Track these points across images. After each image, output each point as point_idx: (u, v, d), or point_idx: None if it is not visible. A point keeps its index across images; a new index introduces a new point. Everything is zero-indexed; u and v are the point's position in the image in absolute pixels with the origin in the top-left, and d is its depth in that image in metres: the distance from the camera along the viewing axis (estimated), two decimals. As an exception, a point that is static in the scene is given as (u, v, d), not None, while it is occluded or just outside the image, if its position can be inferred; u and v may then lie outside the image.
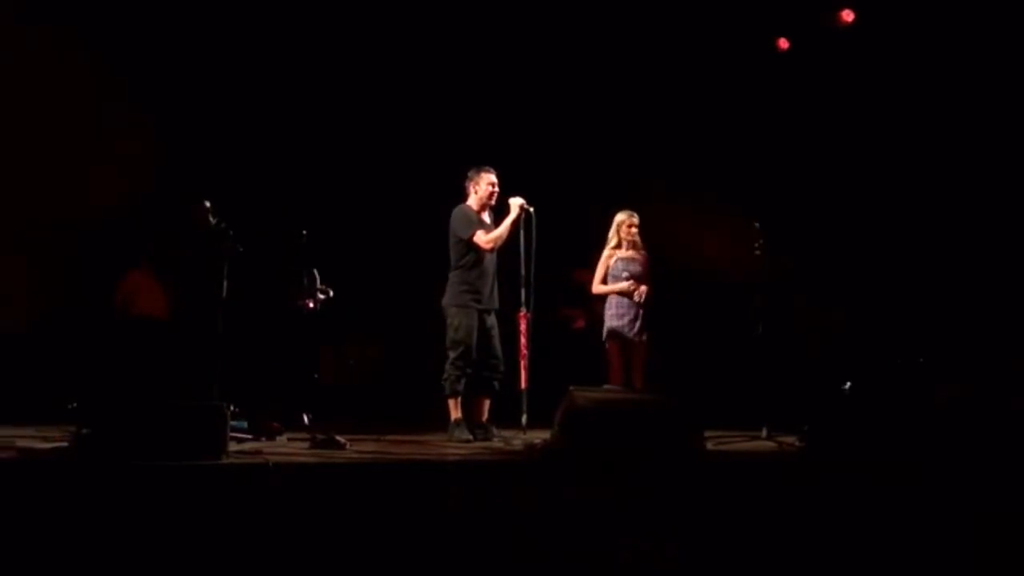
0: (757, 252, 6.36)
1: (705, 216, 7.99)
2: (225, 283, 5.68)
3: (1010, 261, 7.52)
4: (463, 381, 5.96)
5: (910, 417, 5.13)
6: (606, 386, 6.33)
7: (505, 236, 6.03)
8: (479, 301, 6.04)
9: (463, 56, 8.68)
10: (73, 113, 7.39)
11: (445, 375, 5.98)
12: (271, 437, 5.66)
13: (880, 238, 8.10)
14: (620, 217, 6.70)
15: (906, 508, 4.08)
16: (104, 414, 4.17)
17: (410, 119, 8.81)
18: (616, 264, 6.62)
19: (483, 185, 6.15)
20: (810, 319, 8.10)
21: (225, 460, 4.24)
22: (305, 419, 6.43)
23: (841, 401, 5.73)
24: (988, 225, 7.69)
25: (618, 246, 6.66)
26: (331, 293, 6.96)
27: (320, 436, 5.26)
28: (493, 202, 6.17)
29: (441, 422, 6.07)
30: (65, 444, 4.45)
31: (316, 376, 7.04)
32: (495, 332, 6.11)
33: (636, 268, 6.59)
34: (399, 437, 5.97)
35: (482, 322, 6.04)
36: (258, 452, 4.82)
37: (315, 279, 6.90)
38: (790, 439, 5.61)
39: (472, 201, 6.18)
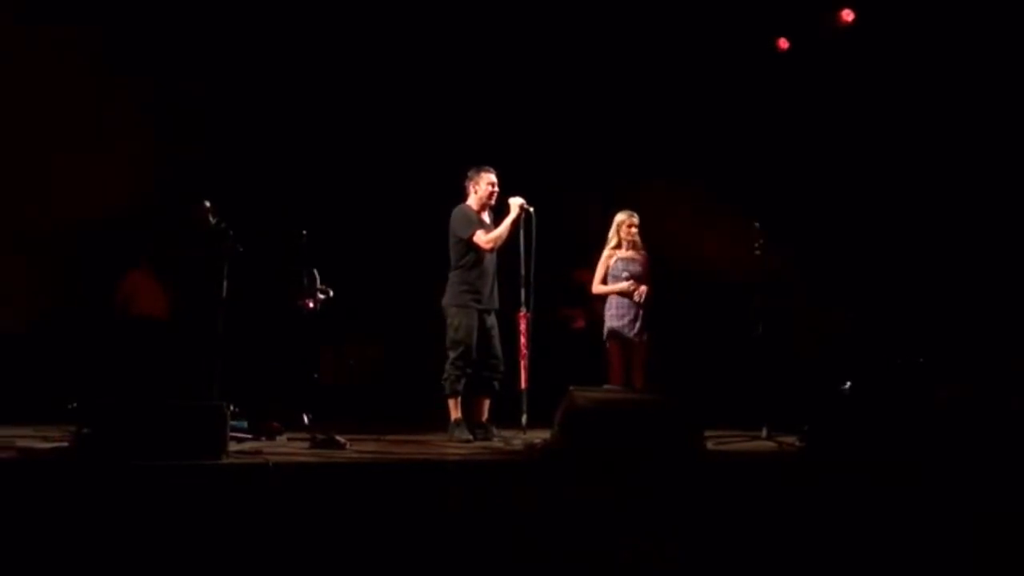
0: (757, 252, 6.36)
1: (705, 216, 8.00)
2: (225, 283, 5.67)
3: (1010, 261, 7.52)
4: (463, 381, 5.96)
5: (910, 417, 5.13)
6: (606, 386, 6.33)
7: (505, 236, 6.03)
8: (479, 301, 6.04)
9: (463, 56, 8.68)
10: (73, 113, 7.39)
11: (445, 375, 5.98)
12: (271, 437, 5.67)
13: (880, 238, 8.10)
14: (620, 217, 6.70)
15: (906, 508, 4.08)
16: (104, 414, 4.17)
17: (410, 119, 8.81)
18: (616, 264, 6.62)
19: (483, 185, 6.15)
20: (810, 319, 8.10)
21: (225, 460, 4.24)
22: (305, 419, 6.43)
23: (841, 401, 5.73)
24: (988, 225, 7.69)
25: (618, 246, 6.67)
26: (331, 293, 6.96)
27: (320, 436, 5.26)
28: (493, 202, 6.17)
29: (441, 422, 6.07)
30: (65, 444, 4.45)
31: (316, 376, 7.04)
32: (495, 332, 6.11)
33: (636, 268, 6.59)
34: (399, 437, 5.97)
35: (482, 322, 6.04)
36: (258, 452, 4.82)
37: (315, 279, 6.90)
38: (790, 439, 5.61)
39: (472, 201, 6.18)
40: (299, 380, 7.04)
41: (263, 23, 8.24)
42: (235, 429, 5.04)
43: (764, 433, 5.95)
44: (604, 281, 6.66)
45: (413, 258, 8.15)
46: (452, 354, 5.99)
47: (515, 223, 6.02)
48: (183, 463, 4.01)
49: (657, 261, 6.76)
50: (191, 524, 3.52)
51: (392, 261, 8.82)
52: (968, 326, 7.40)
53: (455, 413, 5.96)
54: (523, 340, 5.99)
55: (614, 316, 6.55)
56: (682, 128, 8.83)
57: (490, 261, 6.12)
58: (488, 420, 6.09)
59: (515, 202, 6.03)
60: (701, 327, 8.56)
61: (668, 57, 8.74)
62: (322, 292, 6.91)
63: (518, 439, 5.73)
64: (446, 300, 6.10)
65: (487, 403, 6.10)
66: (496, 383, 6.09)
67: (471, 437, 5.85)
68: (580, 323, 8.78)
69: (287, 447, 5.31)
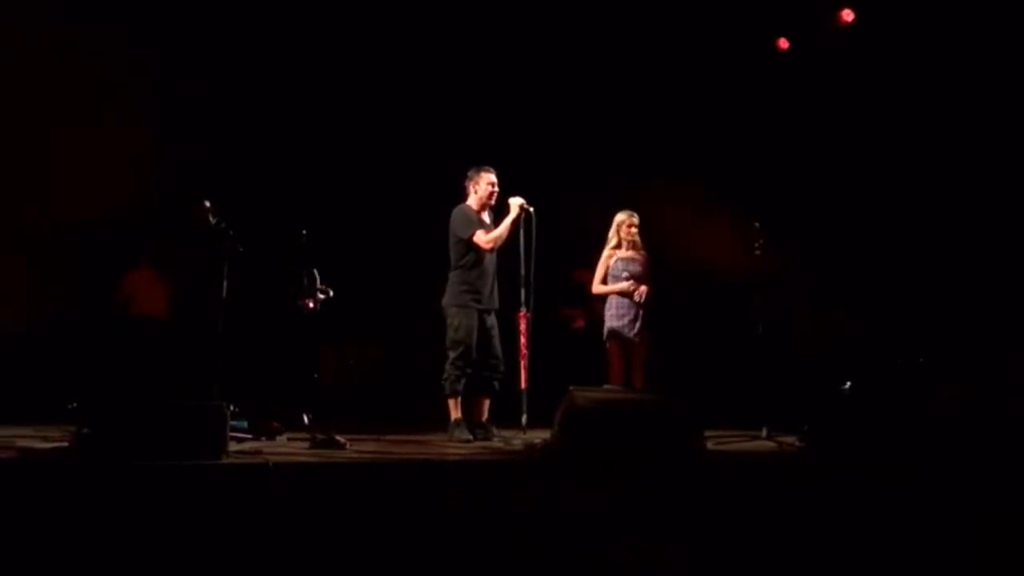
0: (757, 252, 6.36)
1: (705, 216, 8.00)
2: (225, 283, 5.67)
3: (1010, 261, 7.52)
4: (463, 381, 5.96)
5: (910, 417, 5.13)
6: (606, 386, 6.33)
7: (505, 236, 6.03)
8: (479, 301, 6.04)
9: (463, 56, 8.68)
10: (73, 113, 7.39)
11: (445, 375, 5.98)
12: (271, 437, 5.67)
13: (880, 238, 8.11)
14: (620, 217, 6.70)
15: (906, 508, 4.08)
16: (104, 414, 4.17)
17: (410, 119, 8.81)
18: (616, 264, 6.62)
19: (483, 185, 6.15)
20: (810, 319, 8.10)
21: (225, 460, 4.24)
22: (305, 419, 6.43)
23: (841, 401, 5.73)
24: (988, 225, 7.69)
25: (618, 246, 6.66)
26: (331, 293, 6.97)
27: (320, 436, 5.26)
28: (493, 202, 6.17)
29: (441, 422, 6.07)
30: (65, 444, 4.45)
31: (316, 376, 7.04)
32: (495, 332, 6.11)
33: (636, 268, 6.59)
34: (399, 437, 5.97)
35: (482, 322, 6.04)
36: (258, 452, 4.82)
37: (315, 279, 6.91)
38: (790, 439, 5.61)
39: (472, 201, 6.18)
40: (299, 380, 7.05)
41: (263, 23, 8.24)
42: (235, 429, 5.04)
43: (764, 433, 5.95)
44: (604, 281, 6.66)
45: (413, 258, 8.15)
46: (452, 354, 5.98)
47: (515, 223, 6.02)
48: (183, 463, 4.01)
49: (657, 261, 6.76)
50: (191, 524, 3.52)
51: (392, 261, 8.82)
52: (968, 326, 7.40)
53: (455, 413, 5.96)
54: (523, 340, 5.99)
55: (614, 316, 6.55)
56: (682, 128, 8.83)
57: (490, 261, 6.12)
58: (488, 420, 6.08)
59: (515, 202, 6.03)
60: (701, 327, 8.56)
61: (668, 57, 8.74)
62: (322, 292, 6.92)
63: (518, 439, 5.73)
64: (446, 300, 6.10)
65: (487, 403, 6.10)
66: (496, 383, 6.09)
67: (471, 437, 5.85)
68: (580, 323, 8.78)
69: (287, 447, 5.31)
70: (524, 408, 5.90)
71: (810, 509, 4.14)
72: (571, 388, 4.83)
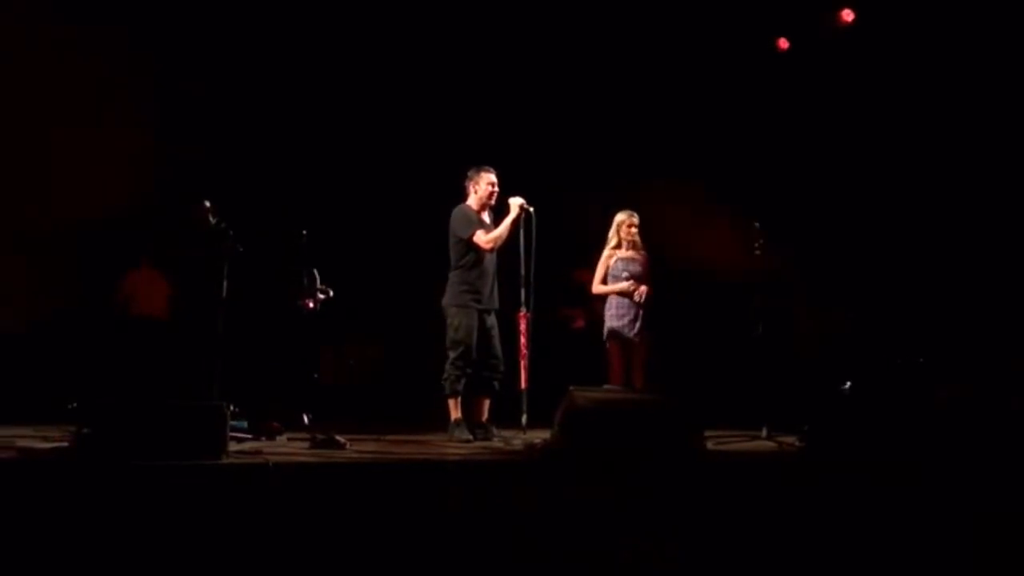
0: (757, 252, 6.36)
1: (705, 216, 8.00)
2: (225, 283, 5.67)
3: (1010, 261, 7.52)
4: (463, 381, 5.96)
5: (910, 417, 5.13)
6: (606, 386, 6.33)
7: (505, 236, 6.03)
8: (479, 301, 6.04)
9: (463, 56, 8.68)
10: (73, 113, 7.39)
11: (445, 375, 5.98)
12: (271, 437, 5.66)
13: (880, 238, 8.11)
14: (620, 217, 6.69)
15: (906, 508, 4.08)
16: (104, 414, 4.17)
17: (410, 119, 8.81)
18: (616, 264, 6.62)
19: (483, 185, 6.15)
20: (810, 319, 8.11)
21: (225, 460, 4.24)
22: (305, 419, 6.43)
23: (841, 401, 5.73)
24: (988, 225, 7.69)
25: (618, 246, 6.66)
26: (331, 293, 6.97)
27: (320, 436, 5.26)
28: (493, 202, 6.17)
29: (441, 422, 6.07)
30: (65, 444, 4.45)
31: (316, 376, 7.04)
32: (495, 332, 6.11)
33: (636, 268, 6.59)
34: (399, 437, 5.97)
35: (482, 322, 6.04)
36: (258, 452, 4.82)
37: (315, 279, 6.91)
38: (790, 439, 5.61)
39: (472, 201, 6.18)
40: (299, 380, 7.04)
41: (263, 23, 8.24)
42: (235, 429, 5.04)
43: (764, 433, 5.95)
44: (604, 281, 6.66)
45: (413, 258, 8.15)
46: (452, 354, 5.98)
47: (515, 223, 6.02)
48: (183, 463, 4.01)
49: (657, 261, 6.76)
50: (191, 524, 3.52)
51: (392, 261, 8.82)
52: (968, 326, 7.40)
53: (455, 413, 5.96)
54: (523, 340, 5.99)
55: (614, 316, 6.55)
56: (682, 128, 8.83)
57: (490, 261, 6.12)
58: (488, 420, 6.08)
59: (515, 202, 6.03)
60: (701, 327, 8.56)
61: (668, 57, 8.74)
62: (322, 292, 6.92)
63: (518, 439, 5.73)
64: (446, 300, 6.10)
65: (487, 403, 6.10)
66: (496, 383, 6.09)
67: (471, 437, 5.85)
68: (580, 323, 8.78)
69: (287, 447, 5.31)
70: (524, 408, 5.90)
71: (810, 509, 4.14)
72: (571, 388, 4.83)
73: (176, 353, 7.86)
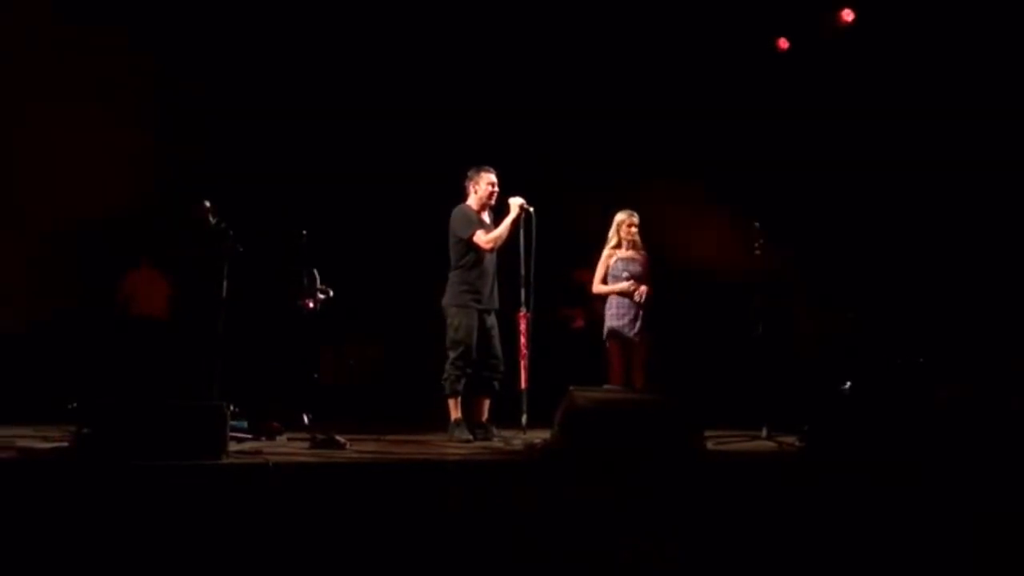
0: (757, 252, 6.36)
1: (705, 216, 7.99)
2: (225, 283, 5.67)
3: (1010, 261, 7.52)
4: (463, 381, 5.96)
5: (910, 417, 5.13)
6: (606, 386, 6.33)
7: (505, 236, 6.03)
8: (479, 301, 6.04)
9: (463, 55, 8.68)
10: (73, 113, 7.39)
11: (445, 375, 5.98)
12: (271, 437, 5.67)
13: (880, 238, 8.11)
14: (620, 217, 6.69)
15: (906, 508, 4.08)
16: (104, 414, 4.17)
17: (410, 119, 8.81)
18: (616, 264, 6.62)
19: (483, 185, 6.15)
20: (810, 319, 8.11)
21: (225, 460, 4.24)
22: (305, 419, 6.43)
23: (841, 401, 5.73)
24: (988, 225, 7.69)
25: (618, 246, 6.66)
26: (331, 293, 6.96)
27: (320, 436, 5.26)
28: (493, 202, 6.17)
29: (441, 422, 6.07)
30: (65, 444, 4.45)
31: (316, 376, 7.04)
32: (495, 332, 6.11)
33: (636, 268, 6.59)
34: (399, 437, 5.97)
35: (482, 322, 6.04)
36: (258, 452, 4.82)
37: (315, 279, 6.90)
38: (790, 439, 5.61)
39: (472, 201, 6.18)
40: (299, 380, 7.04)
41: (263, 23, 8.24)
42: (235, 429, 5.04)
43: (764, 433, 5.95)
44: (604, 281, 6.66)
45: (413, 258, 8.15)
46: (452, 354, 5.98)
47: (515, 223, 6.02)
48: (183, 463, 4.01)
49: (657, 261, 6.76)
50: (191, 524, 3.52)
51: (392, 261, 8.82)
52: (968, 326, 7.40)
53: (455, 413, 5.96)
54: (523, 340, 5.99)
55: (614, 316, 6.55)
56: (682, 128, 8.83)
57: (490, 261, 6.12)
58: (488, 420, 6.08)
59: (515, 202, 6.03)
60: (701, 327, 8.56)
61: (669, 57, 8.74)
62: (322, 292, 6.91)
63: (518, 439, 5.73)
64: (446, 300, 6.10)
65: (487, 403, 6.10)
66: (496, 383, 6.09)
67: (471, 437, 5.85)
68: (580, 323, 8.78)
69: (287, 447, 5.31)
70: (524, 408, 5.90)
71: (810, 509, 4.14)
72: (571, 388, 4.83)
73: (176, 353, 7.86)
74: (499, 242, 6.05)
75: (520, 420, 5.88)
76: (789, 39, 8.66)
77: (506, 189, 6.16)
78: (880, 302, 7.97)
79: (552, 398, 5.03)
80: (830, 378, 6.49)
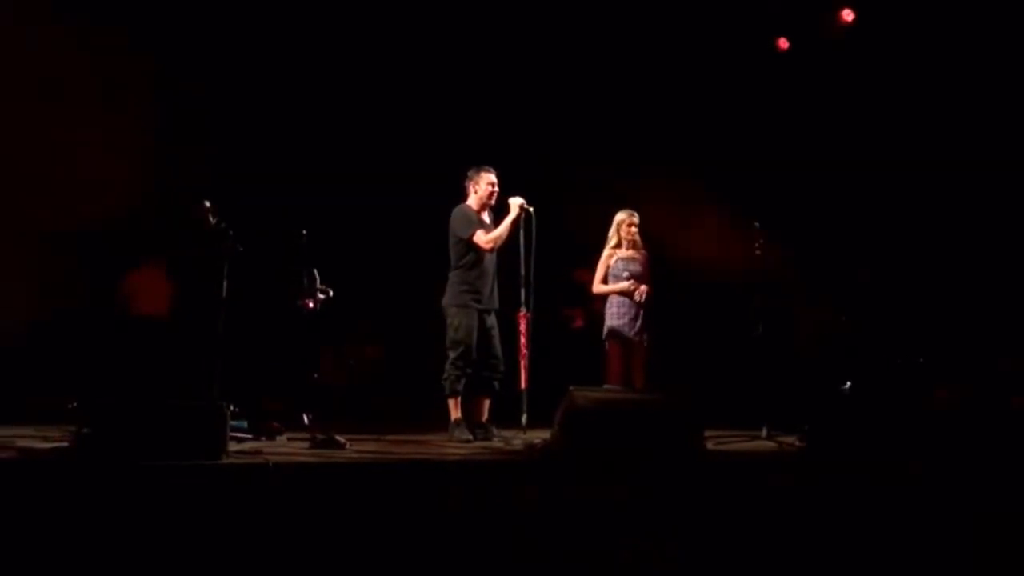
0: (757, 252, 6.36)
1: (705, 216, 7.99)
2: (225, 283, 5.67)
3: (1010, 261, 7.52)
4: (463, 381, 5.96)
5: (910, 417, 5.13)
6: (606, 386, 6.33)
7: (505, 236, 6.03)
8: (479, 301, 6.04)
9: (463, 55, 8.68)
10: (73, 113, 7.39)
11: (445, 375, 5.98)
12: (271, 437, 5.67)
13: (880, 238, 8.11)
14: (620, 217, 6.69)
15: (906, 508, 4.08)
16: (104, 414, 4.17)
17: (410, 119, 8.81)
18: (617, 264, 6.62)
19: (483, 185, 6.15)
20: (810, 319, 8.11)
21: (225, 460, 4.25)
22: (305, 419, 6.43)
23: (841, 401, 5.74)
24: (988, 225, 7.70)
25: (618, 246, 6.66)
26: (331, 293, 6.96)
27: (320, 436, 5.26)
28: (493, 202, 6.17)
29: (441, 422, 6.07)
30: (65, 444, 4.45)
31: (316, 376, 7.04)
32: (495, 332, 6.11)
33: (636, 268, 6.59)
34: (399, 437, 5.97)
35: (482, 322, 6.04)
36: (258, 452, 4.82)
37: (315, 279, 6.90)
38: (790, 439, 5.61)
39: (472, 201, 6.18)
40: (299, 380, 7.04)
41: (263, 23, 8.24)
42: (235, 429, 5.04)
43: (764, 433, 5.95)
44: (604, 281, 6.66)
45: (413, 258, 8.15)
46: (452, 354, 5.98)
47: (515, 223, 6.02)
48: (183, 463, 4.02)
49: (657, 261, 6.76)
50: (191, 524, 3.52)
51: (392, 261, 8.82)
52: (967, 326, 7.40)
53: (455, 413, 5.96)
54: (523, 340, 5.99)
55: (615, 315, 6.55)
56: (682, 128, 8.83)
57: (490, 261, 6.12)
58: (488, 420, 6.08)
59: (515, 202, 6.03)
60: (701, 327, 8.56)
61: (669, 57, 8.74)
62: (322, 292, 6.91)
63: (518, 439, 5.73)
64: (446, 300, 6.10)
65: (487, 403, 6.10)
66: (496, 383, 6.09)
67: (471, 437, 5.85)
68: (579, 322, 8.77)
69: (287, 447, 5.31)
70: (524, 408, 5.90)
71: (810, 509, 4.14)
72: (571, 388, 4.83)
73: (176, 353, 7.85)
74: (499, 242, 6.05)
75: (520, 420, 5.88)
76: (789, 39, 8.66)
77: (506, 189, 6.16)
78: (880, 302, 7.97)
79: (552, 398, 5.03)
80: (830, 378, 6.50)
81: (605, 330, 6.59)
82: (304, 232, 6.70)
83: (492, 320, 6.11)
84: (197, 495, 3.75)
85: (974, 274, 7.64)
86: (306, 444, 5.25)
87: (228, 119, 8.30)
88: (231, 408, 4.55)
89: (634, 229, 6.63)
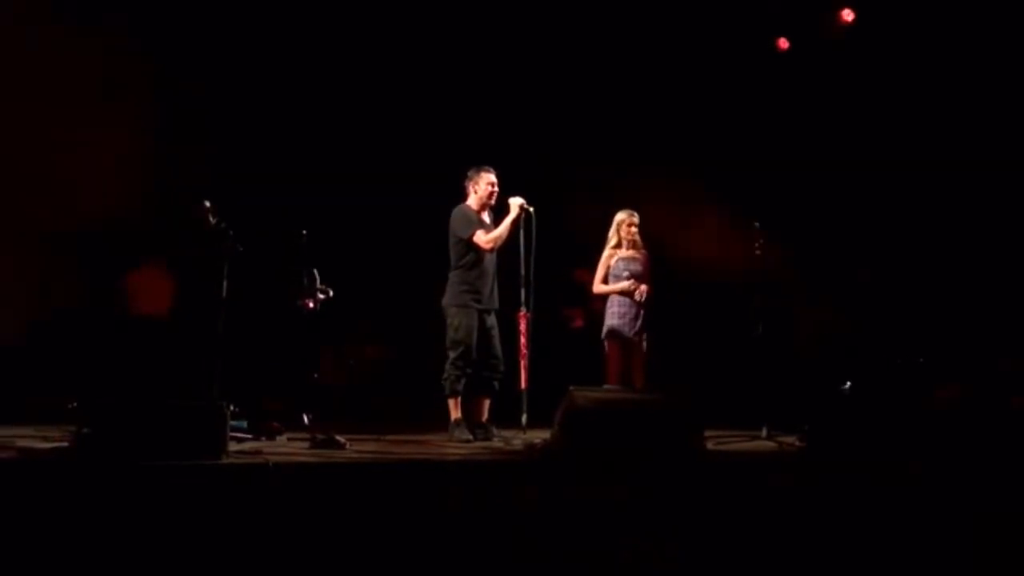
0: (757, 252, 6.37)
1: (705, 216, 7.99)
2: (225, 283, 5.67)
3: (1009, 262, 7.52)
4: (463, 381, 5.96)
5: (910, 417, 5.13)
6: (605, 386, 6.33)
7: (505, 236, 6.03)
8: (479, 301, 6.04)
9: (463, 55, 8.67)
10: (73, 113, 7.39)
11: (445, 375, 5.98)
12: (271, 437, 5.66)
13: (880, 238, 8.11)
14: (620, 217, 6.70)
15: (906, 508, 4.08)
16: (104, 414, 4.17)
17: (410, 119, 8.81)
18: (617, 264, 6.62)
19: (483, 185, 6.16)
20: (810, 319, 8.11)
21: (225, 460, 4.25)
22: (305, 419, 6.43)
23: (841, 401, 5.74)
24: (988, 225, 7.69)
25: (618, 246, 6.66)
26: (331, 293, 6.96)
27: (320, 436, 5.26)
28: (493, 202, 6.17)
29: (441, 422, 6.07)
30: (65, 444, 4.45)
31: (316, 376, 7.04)
32: (495, 332, 6.11)
33: (637, 267, 6.59)
34: (399, 437, 5.97)
35: (482, 322, 6.04)
36: (258, 452, 4.82)
37: (315, 279, 6.90)
38: (790, 439, 5.61)
39: (472, 201, 6.18)
40: (299, 380, 7.04)
41: (263, 23, 8.24)
42: (235, 429, 5.04)
43: (764, 433, 5.95)
44: (605, 281, 6.66)
45: (413, 258, 8.15)
46: (452, 354, 5.99)
47: (515, 223, 6.02)
48: (183, 463, 4.02)
49: (657, 261, 6.76)
50: (191, 524, 3.52)
51: (392, 261, 8.82)
52: (968, 326, 7.40)
53: (455, 413, 5.96)
54: (523, 340, 5.99)
55: (615, 315, 6.55)
56: (682, 128, 8.83)
57: (490, 261, 6.12)
58: (488, 420, 6.09)
59: (515, 202, 6.03)
60: (701, 327, 8.56)
61: (669, 57, 8.73)
62: (322, 292, 6.91)
63: (518, 439, 5.73)
64: (446, 300, 6.10)
65: (487, 403, 6.10)
66: (496, 383, 6.09)
67: (471, 437, 5.85)
68: (578, 322, 8.77)
69: (287, 447, 5.31)
70: (524, 408, 5.90)
71: (810, 509, 4.14)
72: (571, 388, 4.83)
73: (176, 353, 7.85)
74: (499, 242, 6.05)
75: (520, 420, 5.88)
76: (789, 39, 8.65)
77: (506, 189, 6.16)
78: (880, 302, 7.97)
79: (552, 398, 5.03)
80: (830, 378, 6.49)
81: (605, 329, 6.60)
82: (304, 232, 6.70)
83: (492, 320, 6.11)
84: (197, 495, 3.75)
85: (974, 274, 7.64)
86: (306, 444, 5.25)
87: (228, 119, 8.30)
88: (231, 408, 4.55)
89: (634, 229, 6.64)
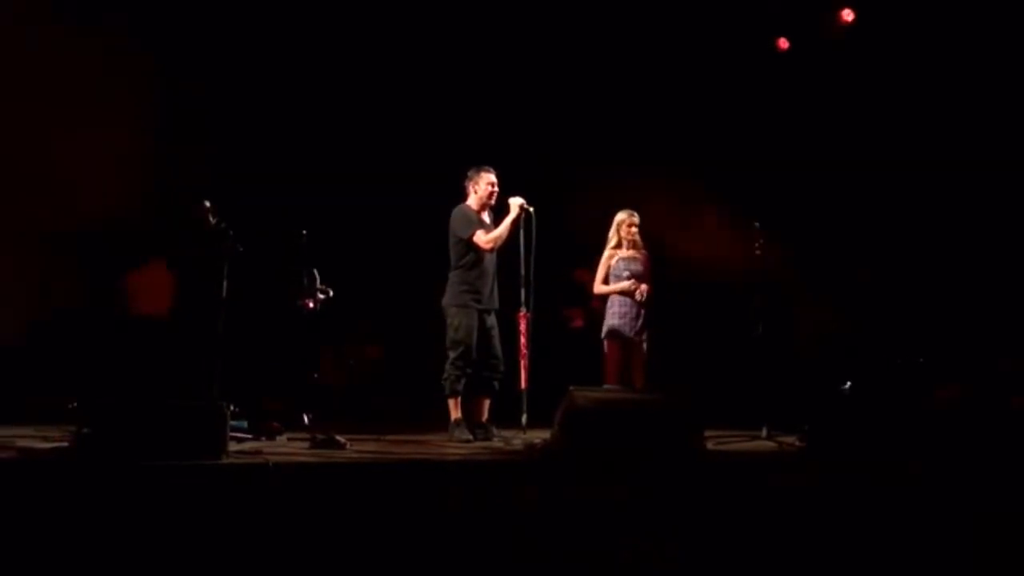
0: (757, 252, 6.37)
1: (705, 216, 7.99)
2: (225, 283, 5.67)
3: (1009, 261, 7.52)
4: (463, 381, 5.96)
5: (910, 417, 5.13)
6: (606, 386, 6.33)
7: (505, 236, 6.04)
8: (479, 301, 6.04)
9: (463, 55, 8.68)
10: (73, 113, 7.39)
11: (445, 375, 5.98)
12: (271, 437, 5.67)
13: (880, 238, 8.11)
14: (620, 217, 6.70)
15: (906, 508, 4.08)
16: (104, 414, 4.17)
17: (410, 118, 8.81)
18: (617, 264, 6.62)
19: (483, 185, 6.16)
20: (810, 319, 8.11)
21: (225, 460, 4.25)
22: (305, 419, 6.43)
23: (841, 401, 5.74)
24: (988, 225, 7.69)
25: (618, 246, 6.67)
26: (331, 293, 6.96)
27: (320, 436, 5.26)
28: (493, 202, 6.17)
29: (441, 422, 6.07)
30: (65, 444, 4.45)
31: (316, 376, 7.04)
32: (495, 332, 6.11)
33: (637, 267, 6.59)
34: (399, 437, 5.97)
35: (482, 322, 6.04)
36: (258, 452, 4.82)
37: (315, 279, 6.90)
38: (790, 439, 5.61)
39: (472, 201, 6.19)
40: (299, 380, 7.04)
41: (263, 23, 8.24)
42: (235, 429, 5.04)
43: (764, 433, 5.95)
44: (606, 281, 6.66)
45: (413, 258, 8.15)
46: (452, 354, 5.99)
47: (515, 223, 6.02)
48: (183, 463, 4.02)
49: (657, 261, 6.77)
50: (191, 524, 3.52)
51: (392, 261, 8.82)
52: (968, 326, 7.40)
53: (455, 413, 5.96)
54: (523, 340, 5.99)
55: (615, 315, 6.55)
56: (682, 128, 8.83)
57: (490, 261, 6.12)
58: (488, 420, 6.09)
59: (515, 202, 6.03)
60: (701, 327, 8.56)
61: (669, 57, 8.74)
62: (322, 292, 6.91)
63: (518, 439, 5.73)
64: (446, 300, 6.10)
65: (487, 403, 6.10)
66: (496, 383, 6.09)
67: (471, 437, 5.85)
68: (578, 322, 8.77)
69: (287, 447, 5.31)
70: (524, 408, 5.90)
71: (810, 509, 4.14)
72: (571, 388, 4.83)
73: (176, 353, 7.85)
74: (499, 242, 6.05)
75: (520, 420, 5.88)
76: (789, 39, 8.66)
77: (506, 189, 6.16)
78: (880, 302, 7.97)
79: (552, 398, 5.03)
80: (830, 378, 6.49)
81: (605, 329, 6.59)
82: (304, 232, 6.70)
83: (492, 320, 6.11)
84: (197, 495, 3.75)
85: (974, 274, 7.64)
86: (306, 444, 5.25)
87: (228, 119, 8.30)
88: (231, 408, 4.55)
89: (634, 229, 6.64)
